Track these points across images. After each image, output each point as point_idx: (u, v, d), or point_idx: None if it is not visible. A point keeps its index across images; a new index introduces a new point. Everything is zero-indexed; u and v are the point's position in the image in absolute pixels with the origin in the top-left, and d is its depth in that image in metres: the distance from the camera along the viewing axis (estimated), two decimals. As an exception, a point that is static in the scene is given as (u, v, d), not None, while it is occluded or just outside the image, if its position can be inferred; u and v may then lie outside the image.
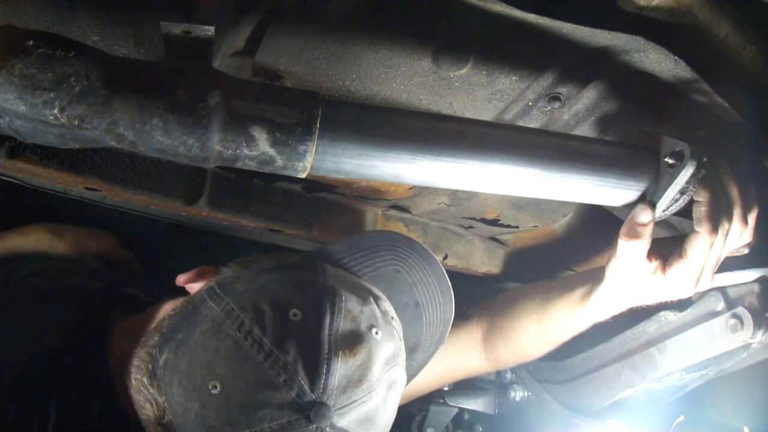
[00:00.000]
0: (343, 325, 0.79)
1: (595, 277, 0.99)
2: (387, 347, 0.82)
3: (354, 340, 0.78)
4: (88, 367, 0.94)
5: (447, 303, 0.99)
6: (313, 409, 0.73)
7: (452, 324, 1.16)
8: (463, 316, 1.27)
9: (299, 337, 0.76)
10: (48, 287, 1.08)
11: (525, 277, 1.41)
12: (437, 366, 1.09)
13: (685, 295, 0.92)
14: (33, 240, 1.23)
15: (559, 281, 1.13)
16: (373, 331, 0.81)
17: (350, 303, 0.81)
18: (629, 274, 0.91)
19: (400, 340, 0.88)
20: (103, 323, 1.01)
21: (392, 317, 0.88)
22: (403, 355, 0.88)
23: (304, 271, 0.86)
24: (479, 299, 1.32)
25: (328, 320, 0.78)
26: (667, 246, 0.89)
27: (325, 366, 0.75)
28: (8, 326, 0.96)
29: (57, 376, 0.92)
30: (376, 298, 0.87)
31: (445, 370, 1.25)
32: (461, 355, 1.25)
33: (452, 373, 1.30)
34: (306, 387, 0.73)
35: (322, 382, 0.74)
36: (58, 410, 0.89)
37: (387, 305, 0.89)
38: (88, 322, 1.00)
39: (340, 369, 0.75)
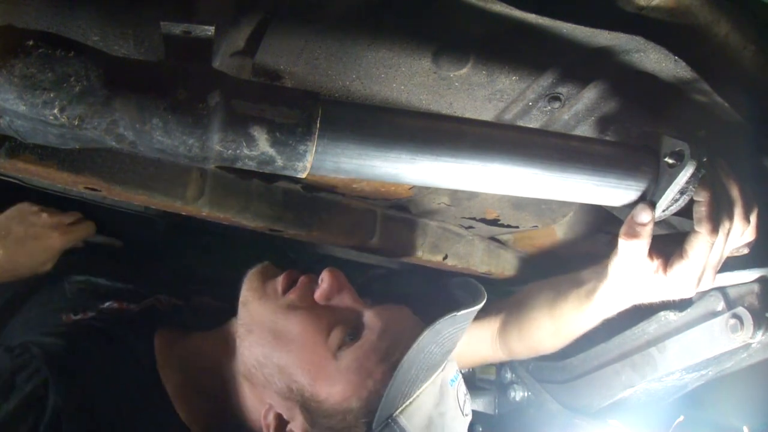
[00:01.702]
0: None
1: (600, 273, 1.00)
2: None
3: None
4: (143, 383, 1.00)
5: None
6: None
7: None
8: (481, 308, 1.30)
9: None
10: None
11: (525, 277, 1.41)
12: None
13: (686, 295, 0.92)
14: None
15: (570, 276, 1.14)
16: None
17: None
18: (631, 272, 0.91)
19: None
20: (150, 347, 1.06)
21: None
22: None
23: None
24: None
25: None
26: (670, 244, 0.89)
27: None
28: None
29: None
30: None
31: (459, 354, 1.27)
32: (476, 343, 1.29)
33: (466, 358, 1.34)
34: None
35: None
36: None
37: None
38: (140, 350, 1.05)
39: None
